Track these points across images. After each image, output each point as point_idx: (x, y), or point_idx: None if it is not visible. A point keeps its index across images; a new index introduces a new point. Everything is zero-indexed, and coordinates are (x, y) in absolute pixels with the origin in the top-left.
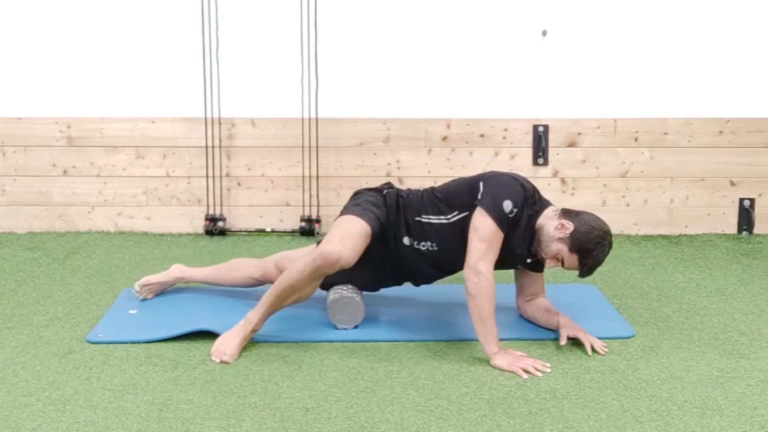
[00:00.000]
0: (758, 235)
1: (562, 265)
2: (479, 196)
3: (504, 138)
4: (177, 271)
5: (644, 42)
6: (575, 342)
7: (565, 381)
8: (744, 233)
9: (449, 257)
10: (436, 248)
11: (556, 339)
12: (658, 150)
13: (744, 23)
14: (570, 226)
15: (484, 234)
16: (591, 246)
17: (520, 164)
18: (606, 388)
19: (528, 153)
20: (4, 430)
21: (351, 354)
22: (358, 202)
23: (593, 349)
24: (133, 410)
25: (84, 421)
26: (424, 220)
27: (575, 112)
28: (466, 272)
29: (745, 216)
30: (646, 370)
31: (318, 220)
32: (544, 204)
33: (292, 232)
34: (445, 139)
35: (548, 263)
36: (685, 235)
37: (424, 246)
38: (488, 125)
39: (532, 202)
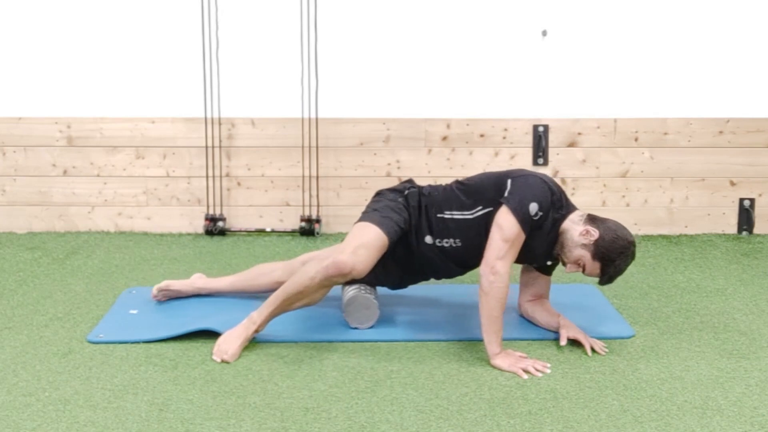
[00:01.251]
0: (758, 235)
1: (583, 271)
2: (506, 194)
3: (504, 138)
4: (199, 281)
5: (644, 42)
6: (575, 342)
7: (565, 381)
8: (744, 233)
9: (472, 253)
10: (459, 244)
11: (557, 339)
12: (658, 150)
13: (744, 23)
14: (595, 233)
15: (507, 233)
16: (614, 255)
17: (520, 164)
18: (606, 388)
19: (528, 153)
20: (4, 430)
21: (351, 354)
22: (378, 207)
23: (593, 350)
24: (133, 410)
25: (84, 421)
26: (446, 216)
27: (575, 112)
28: (483, 269)
29: (745, 216)
30: (646, 370)
31: (318, 220)
32: (570, 208)
33: (292, 232)
34: (445, 139)
35: (569, 268)
36: (685, 235)
37: (447, 243)
38: (488, 125)
39: (558, 206)
